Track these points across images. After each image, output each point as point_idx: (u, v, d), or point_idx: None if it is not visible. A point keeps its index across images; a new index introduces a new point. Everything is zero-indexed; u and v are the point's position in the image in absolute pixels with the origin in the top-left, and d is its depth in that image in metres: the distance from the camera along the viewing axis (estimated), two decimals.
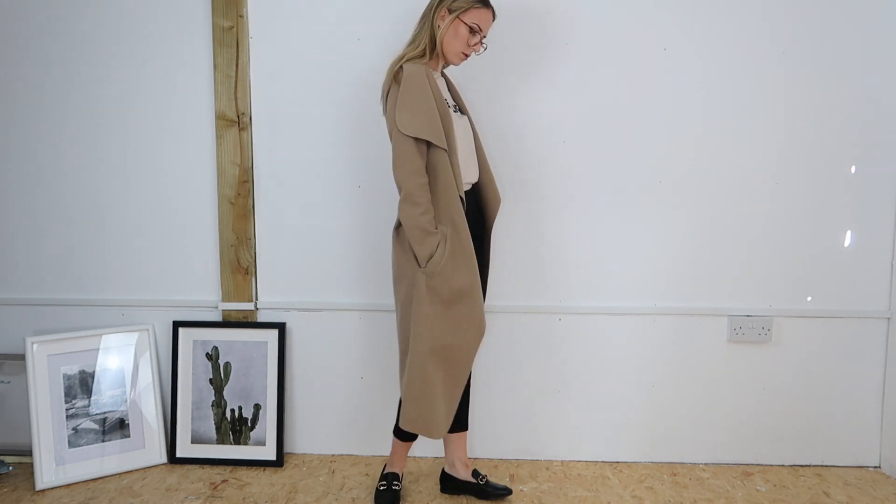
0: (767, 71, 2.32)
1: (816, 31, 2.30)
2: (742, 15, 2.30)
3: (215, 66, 2.36)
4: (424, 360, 1.89)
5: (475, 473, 2.16)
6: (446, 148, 1.87)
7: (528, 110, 2.34)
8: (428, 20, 1.92)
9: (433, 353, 1.90)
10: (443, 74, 2.09)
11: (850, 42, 2.31)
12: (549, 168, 2.36)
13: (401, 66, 1.87)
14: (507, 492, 2.15)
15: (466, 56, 1.98)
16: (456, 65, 2.02)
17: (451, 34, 1.91)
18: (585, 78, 2.33)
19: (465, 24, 1.90)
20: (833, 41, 2.31)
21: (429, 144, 1.87)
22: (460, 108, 2.07)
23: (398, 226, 1.94)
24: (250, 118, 2.40)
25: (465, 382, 1.99)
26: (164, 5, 2.37)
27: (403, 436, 2.08)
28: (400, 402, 2.01)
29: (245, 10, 2.35)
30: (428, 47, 1.92)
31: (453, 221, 1.89)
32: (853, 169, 2.35)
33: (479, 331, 1.96)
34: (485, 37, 1.96)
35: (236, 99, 2.36)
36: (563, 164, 2.36)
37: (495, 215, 2.10)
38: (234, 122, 2.37)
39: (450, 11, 1.89)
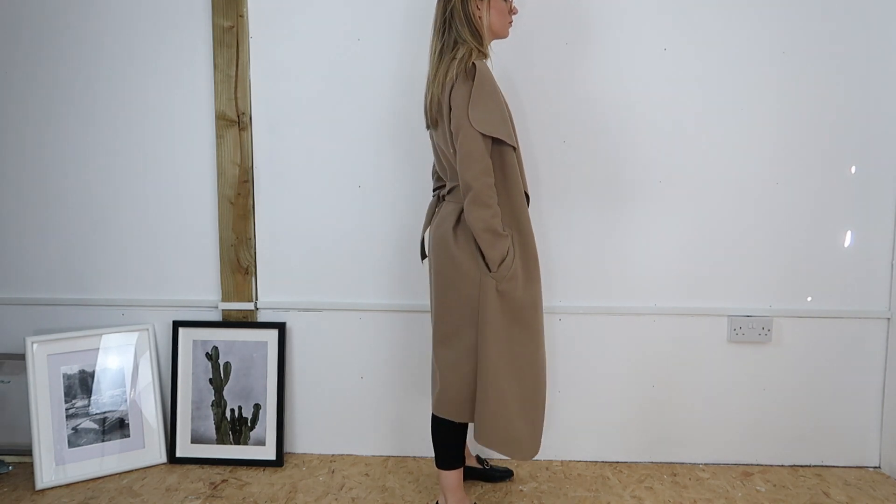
0: (767, 71, 2.32)
1: (816, 31, 2.30)
2: (742, 15, 2.30)
3: (215, 66, 2.36)
4: (497, 371, 1.77)
5: (479, 459, 2.29)
6: (516, 146, 1.81)
7: (528, 110, 2.34)
8: (460, 21, 1.82)
9: (505, 364, 1.79)
10: None
11: (850, 42, 2.31)
12: (549, 168, 2.36)
13: (473, 63, 1.75)
14: (508, 474, 2.28)
15: (511, 23, 1.95)
16: (506, 37, 1.96)
17: (496, 15, 1.86)
18: (585, 78, 2.34)
19: None
20: (833, 41, 2.31)
21: (494, 143, 1.78)
22: None
23: (455, 225, 1.82)
24: (250, 118, 2.40)
25: (544, 397, 1.86)
26: (164, 5, 2.37)
27: (449, 462, 1.93)
28: (435, 426, 1.93)
29: (245, 10, 2.35)
30: (476, 45, 1.82)
31: (519, 224, 1.81)
32: (853, 169, 2.35)
33: (543, 341, 1.88)
34: None
35: (236, 99, 2.37)
36: (563, 164, 2.36)
37: None
38: (234, 122, 2.37)
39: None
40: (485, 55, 1.86)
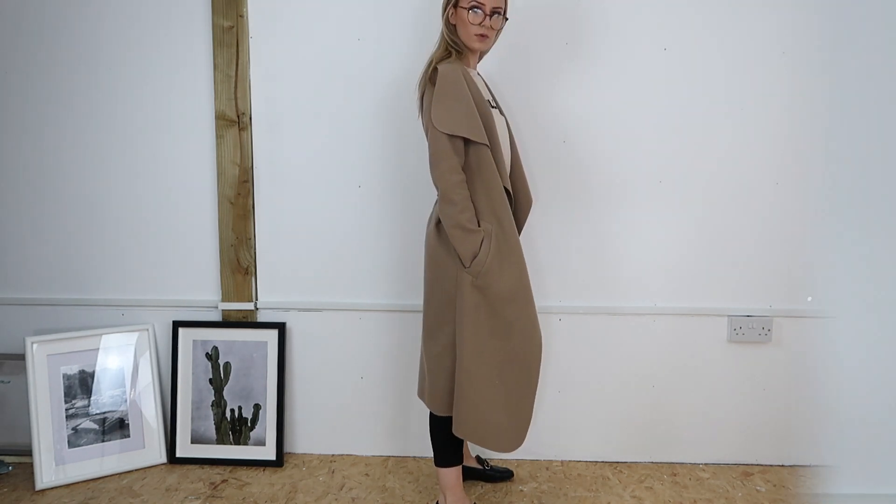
0: (768, 71, 2.31)
1: (816, 31, 2.30)
2: (742, 15, 2.30)
3: (215, 66, 2.36)
4: (472, 366, 1.79)
5: (479, 459, 2.30)
6: (486, 143, 1.81)
7: (527, 110, 2.34)
8: (443, 23, 1.90)
9: (485, 357, 1.80)
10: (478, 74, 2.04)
11: (850, 42, 2.31)
12: (549, 168, 2.36)
13: (434, 68, 1.82)
14: (508, 474, 2.29)
15: (485, 36, 1.86)
16: (480, 48, 1.92)
17: (461, 24, 1.87)
18: (585, 78, 2.34)
19: (464, 8, 1.85)
20: (833, 41, 2.31)
21: (466, 141, 1.80)
22: (499, 107, 2.02)
23: (437, 223, 1.86)
24: (250, 118, 2.40)
25: (531, 391, 1.87)
26: (164, 5, 2.37)
27: (446, 460, 1.96)
28: (432, 424, 1.95)
29: (245, 10, 2.35)
30: (452, 48, 1.89)
31: (498, 217, 1.81)
32: None
33: (533, 335, 1.87)
34: (498, 8, 1.86)
35: (236, 99, 2.37)
36: (563, 164, 2.36)
37: (526, 217, 2.04)
38: (234, 122, 2.37)
39: (455, 7, 1.86)
40: (461, 58, 1.89)
